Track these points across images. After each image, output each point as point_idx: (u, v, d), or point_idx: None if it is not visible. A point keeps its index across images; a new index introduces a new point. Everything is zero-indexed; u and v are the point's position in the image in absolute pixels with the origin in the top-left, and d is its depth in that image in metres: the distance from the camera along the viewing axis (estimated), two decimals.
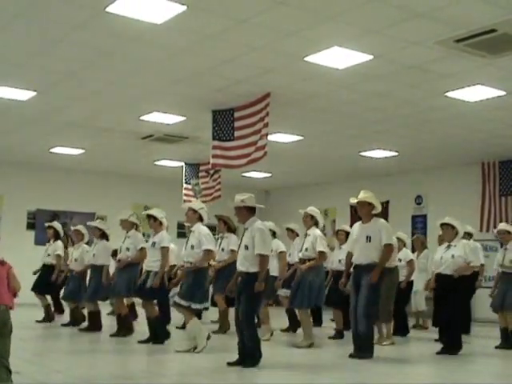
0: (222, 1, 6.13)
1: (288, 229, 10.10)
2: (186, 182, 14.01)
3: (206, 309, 7.53)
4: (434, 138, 11.73)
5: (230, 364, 6.28)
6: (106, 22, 6.62)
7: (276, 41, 7.08)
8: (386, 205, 15.11)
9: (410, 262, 9.90)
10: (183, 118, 10.67)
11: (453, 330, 7.74)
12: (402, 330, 9.74)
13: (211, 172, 13.34)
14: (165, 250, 7.97)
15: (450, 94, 8.90)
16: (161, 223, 8.16)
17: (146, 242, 8.50)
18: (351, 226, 8.50)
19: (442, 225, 7.95)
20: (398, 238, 9.69)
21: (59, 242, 10.80)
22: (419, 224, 14.76)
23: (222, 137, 9.89)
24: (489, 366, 7.46)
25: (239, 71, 8.19)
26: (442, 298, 7.76)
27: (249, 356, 6.27)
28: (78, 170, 15.63)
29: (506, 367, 7.61)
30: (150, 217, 8.15)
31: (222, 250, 9.33)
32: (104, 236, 9.47)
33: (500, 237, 9.09)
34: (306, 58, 7.60)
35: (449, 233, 7.88)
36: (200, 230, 7.41)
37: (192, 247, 7.33)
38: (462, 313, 8.17)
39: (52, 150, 13.53)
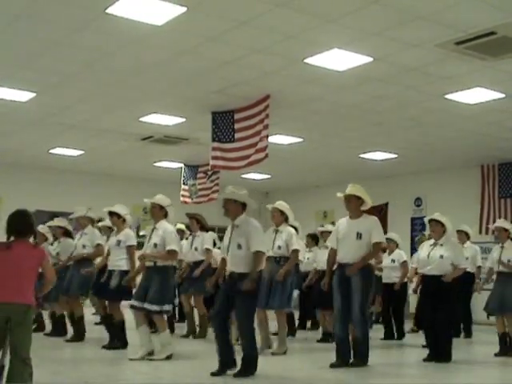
0: (223, 3, 6.14)
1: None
2: (184, 183, 14.01)
3: (175, 307, 7.14)
4: (433, 140, 11.73)
5: (213, 374, 5.85)
6: (106, 24, 6.62)
7: (276, 43, 7.09)
8: (385, 207, 15.17)
9: (404, 264, 9.67)
10: (183, 120, 10.66)
11: (439, 337, 7.28)
12: (398, 333, 9.69)
13: (209, 173, 13.31)
14: (132, 249, 7.51)
15: (449, 97, 8.91)
16: (124, 220, 7.68)
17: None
18: None
19: (431, 221, 7.55)
20: (389, 239, 9.58)
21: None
22: (418, 226, 14.75)
23: (222, 138, 9.89)
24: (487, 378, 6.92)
25: (239, 73, 8.19)
26: (426, 301, 7.43)
27: (246, 364, 5.87)
28: (77, 171, 15.61)
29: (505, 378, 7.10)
30: (112, 214, 7.66)
31: (196, 249, 9.04)
32: (67, 234, 9.06)
33: (496, 234, 8.58)
34: (305, 60, 7.61)
35: (437, 230, 7.45)
36: (165, 227, 6.95)
37: (155, 245, 6.84)
38: (455, 317, 7.79)
39: (51, 151, 13.52)
